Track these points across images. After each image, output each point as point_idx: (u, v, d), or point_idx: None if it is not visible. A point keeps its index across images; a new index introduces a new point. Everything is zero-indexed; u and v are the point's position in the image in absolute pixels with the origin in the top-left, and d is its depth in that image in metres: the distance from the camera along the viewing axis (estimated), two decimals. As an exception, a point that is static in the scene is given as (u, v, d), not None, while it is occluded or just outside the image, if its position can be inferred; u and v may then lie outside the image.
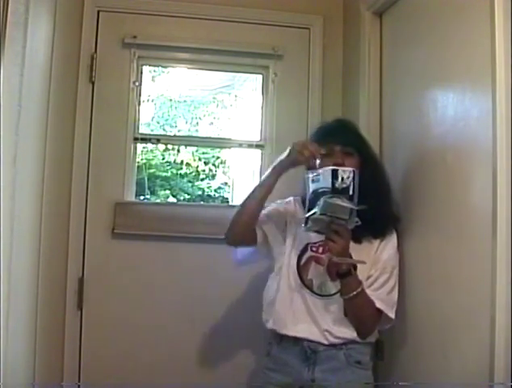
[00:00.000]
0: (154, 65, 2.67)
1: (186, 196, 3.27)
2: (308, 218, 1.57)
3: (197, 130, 3.02)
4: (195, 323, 2.32)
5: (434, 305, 1.66)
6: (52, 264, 2.04)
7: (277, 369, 1.73)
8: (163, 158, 3.15)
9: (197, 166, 3.18)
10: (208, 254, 2.34)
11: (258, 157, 2.52)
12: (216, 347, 2.34)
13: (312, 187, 1.61)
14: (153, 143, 2.60)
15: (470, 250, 1.50)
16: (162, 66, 2.71)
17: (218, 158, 3.15)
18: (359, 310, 1.67)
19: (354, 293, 1.63)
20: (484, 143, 1.41)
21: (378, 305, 1.66)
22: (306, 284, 1.72)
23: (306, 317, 1.70)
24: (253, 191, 1.75)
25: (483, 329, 1.37)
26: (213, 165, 3.19)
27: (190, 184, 3.31)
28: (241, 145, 2.59)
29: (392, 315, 1.68)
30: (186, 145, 2.97)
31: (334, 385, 1.65)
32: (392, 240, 1.75)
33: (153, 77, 2.79)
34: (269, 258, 1.85)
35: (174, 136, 2.95)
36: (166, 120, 3.05)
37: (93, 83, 2.36)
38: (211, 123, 2.96)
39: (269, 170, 1.74)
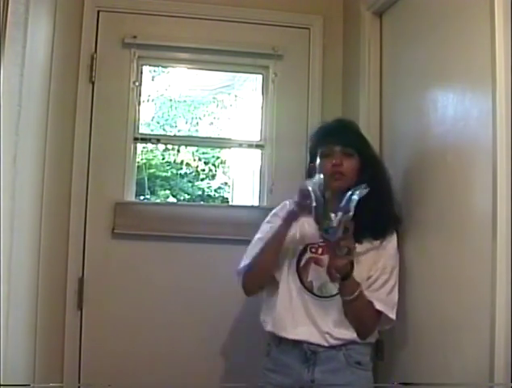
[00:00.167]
0: (154, 65, 2.67)
1: (186, 196, 3.28)
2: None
3: (197, 130, 3.02)
4: (195, 323, 2.32)
5: (435, 305, 1.66)
6: (52, 264, 2.04)
7: (277, 369, 1.73)
8: (163, 158, 3.16)
9: (197, 166, 3.19)
10: (208, 254, 2.33)
11: (258, 157, 2.52)
12: (216, 347, 2.33)
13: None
14: (153, 143, 2.59)
15: (470, 251, 1.50)
16: (162, 66, 2.71)
17: (218, 158, 3.15)
18: (359, 312, 1.67)
19: (356, 294, 1.62)
20: (484, 143, 1.41)
21: (378, 306, 1.66)
22: (306, 287, 1.72)
23: (306, 319, 1.69)
24: (266, 244, 1.72)
25: (483, 329, 1.37)
26: (213, 165, 3.20)
27: (190, 184, 3.31)
28: (241, 145, 2.58)
29: (392, 316, 1.67)
30: (186, 145, 2.97)
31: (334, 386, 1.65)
32: (392, 241, 1.75)
33: (153, 77, 2.79)
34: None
35: (174, 136, 2.95)
36: (166, 120, 3.06)
37: (93, 83, 2.35)
38: (211, 123, 2.97)
39: (278, 221, 1.73)
